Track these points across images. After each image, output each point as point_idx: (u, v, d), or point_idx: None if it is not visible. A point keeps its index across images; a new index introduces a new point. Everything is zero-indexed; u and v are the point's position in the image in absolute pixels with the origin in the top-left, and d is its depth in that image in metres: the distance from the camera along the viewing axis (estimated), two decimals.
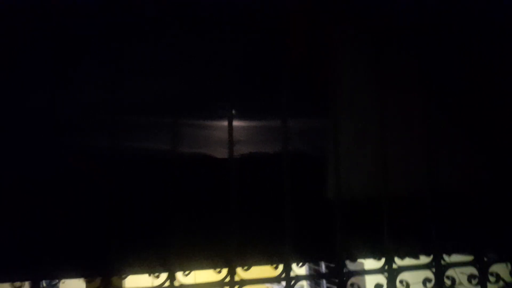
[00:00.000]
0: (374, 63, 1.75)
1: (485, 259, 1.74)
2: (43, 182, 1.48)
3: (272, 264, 1.60)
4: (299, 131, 1.71)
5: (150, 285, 1.50)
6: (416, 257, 1.71)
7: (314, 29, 1.75)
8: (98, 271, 1.47)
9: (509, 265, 1.80)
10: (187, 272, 1.55)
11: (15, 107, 1.53)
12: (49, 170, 1.49)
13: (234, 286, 1.51)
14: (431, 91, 1.79)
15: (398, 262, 1.67)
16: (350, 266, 1.64)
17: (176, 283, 1.48)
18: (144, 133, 1.60)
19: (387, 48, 1.76)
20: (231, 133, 1.60)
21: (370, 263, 1.74)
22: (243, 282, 1.53)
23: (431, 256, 1.70)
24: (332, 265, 1.65)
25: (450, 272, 1.69)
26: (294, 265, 1.61)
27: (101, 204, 1.50)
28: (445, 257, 1.71)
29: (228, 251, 1.55)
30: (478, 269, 1.73)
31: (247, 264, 1.57)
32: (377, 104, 1.72)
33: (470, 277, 1.72)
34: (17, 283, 1.43)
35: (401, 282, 1.65)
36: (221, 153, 1.62)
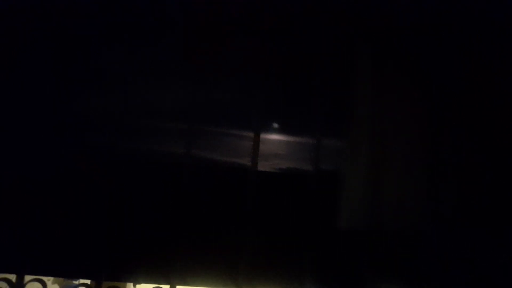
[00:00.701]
0: (374, 64, 1.75)
1: None
2: (43, 182, 1.48)
3: None
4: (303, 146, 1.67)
5: None
6: None
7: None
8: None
9: None
10: None
11: (15, 107, 1.53)
12: (49, 170, 1.49)
13: None
14: (431, 92, 1.78)
15: None
16: None
17: None
18: (139, 135, 1.60)
19: (387, 48, 1.76)
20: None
21: None
22: None
23: None
24: None
25: None
26: None
27: (100, 205, 1.50)
28: None
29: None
30: None
31: None
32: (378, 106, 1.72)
33: None
34: None
35: None
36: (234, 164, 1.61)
